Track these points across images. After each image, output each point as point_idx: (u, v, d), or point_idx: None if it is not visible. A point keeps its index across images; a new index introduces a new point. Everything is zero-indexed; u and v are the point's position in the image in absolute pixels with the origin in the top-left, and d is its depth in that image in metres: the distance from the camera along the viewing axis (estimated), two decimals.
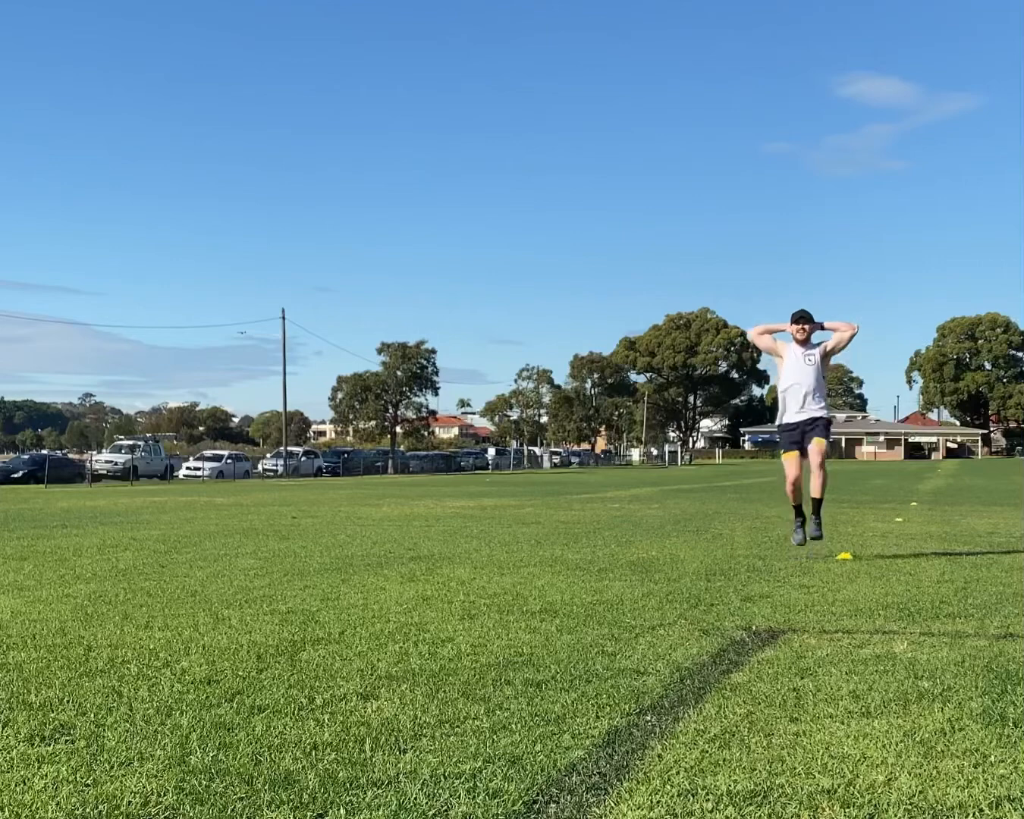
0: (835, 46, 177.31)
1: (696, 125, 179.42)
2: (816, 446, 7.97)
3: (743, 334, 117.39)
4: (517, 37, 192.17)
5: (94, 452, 54.46)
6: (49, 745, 2.93)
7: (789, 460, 8.11)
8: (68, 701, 3.43)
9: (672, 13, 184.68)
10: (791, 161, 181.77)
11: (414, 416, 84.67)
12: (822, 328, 8.09)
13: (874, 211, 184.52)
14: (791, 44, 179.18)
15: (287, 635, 4.68)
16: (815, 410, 8.05)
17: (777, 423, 8.30)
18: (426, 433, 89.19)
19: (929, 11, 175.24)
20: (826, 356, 8.12)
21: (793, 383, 8.06)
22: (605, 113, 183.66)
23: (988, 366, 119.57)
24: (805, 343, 8.03)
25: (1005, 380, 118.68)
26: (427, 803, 2.45)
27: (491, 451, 76.26)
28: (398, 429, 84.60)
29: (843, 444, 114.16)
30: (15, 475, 39.07)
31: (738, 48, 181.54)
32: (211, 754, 2.82)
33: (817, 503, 8.24)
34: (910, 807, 2.41)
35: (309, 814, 2.39)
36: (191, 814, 2.39)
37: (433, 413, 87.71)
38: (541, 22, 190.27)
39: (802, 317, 8.04)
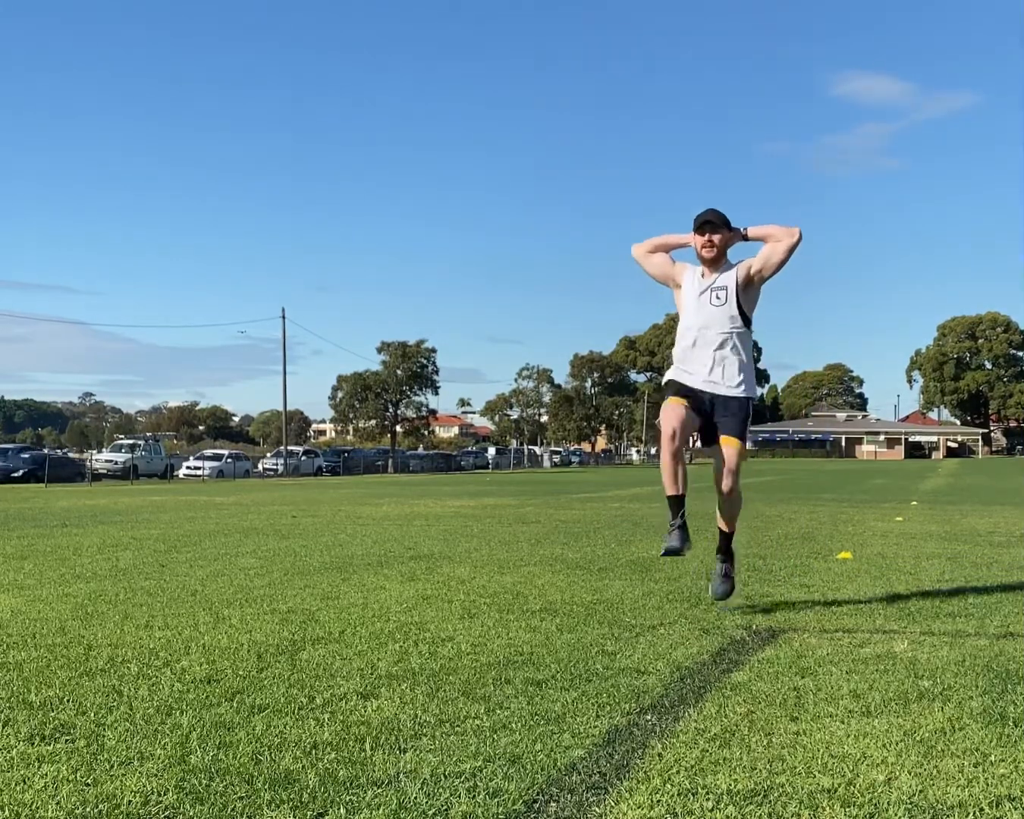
0: (829, 45, 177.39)
1: (695, 125, 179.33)
2: (727, 451, 5.23)
3: None
4: (516, 38, 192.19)
5: (94, 451, 54.44)
6: (49, 745, 2.93)
7: (672, 406, 5.13)
8: (68, 701, 3.43)
9: (669, 13, 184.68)
10: (787, 160, 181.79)
11: (414, 415, 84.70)
12: (744, 239, 5.32)
13: (872, 210, 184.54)
14: (786, 43, 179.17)
15: (287, 634, 4.68)
16: (726, 382, 5.20)
17: (666, 378, 5.47)
18: (426, 432, 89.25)
19: (924, 10, 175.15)
20: (749, 284, 5.20)
21: (691, 333, 5.26)
22: (603, 113, 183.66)
23: (988, 365, 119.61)
24: (715, 264, 5.25)
25: (1005, 379, 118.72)
26: (427, 802, 2.45)
27: (491, 450, 76.25)
28: (398, 428, 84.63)
29: (843, 444, 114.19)
30: (15, 474, 39.09)
31: (734, 48, 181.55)
32: (211, 753, 2.82)
33: (726, 539, 5.65)
34: (910, 806, 2.41)
35: (309, 813, 2.39)
36: (191, 813, 2.39)
37: (433, 412, 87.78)
38: (538, 20, 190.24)
39: (708, 223, 5.21)
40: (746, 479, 35.69)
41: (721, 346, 5.22)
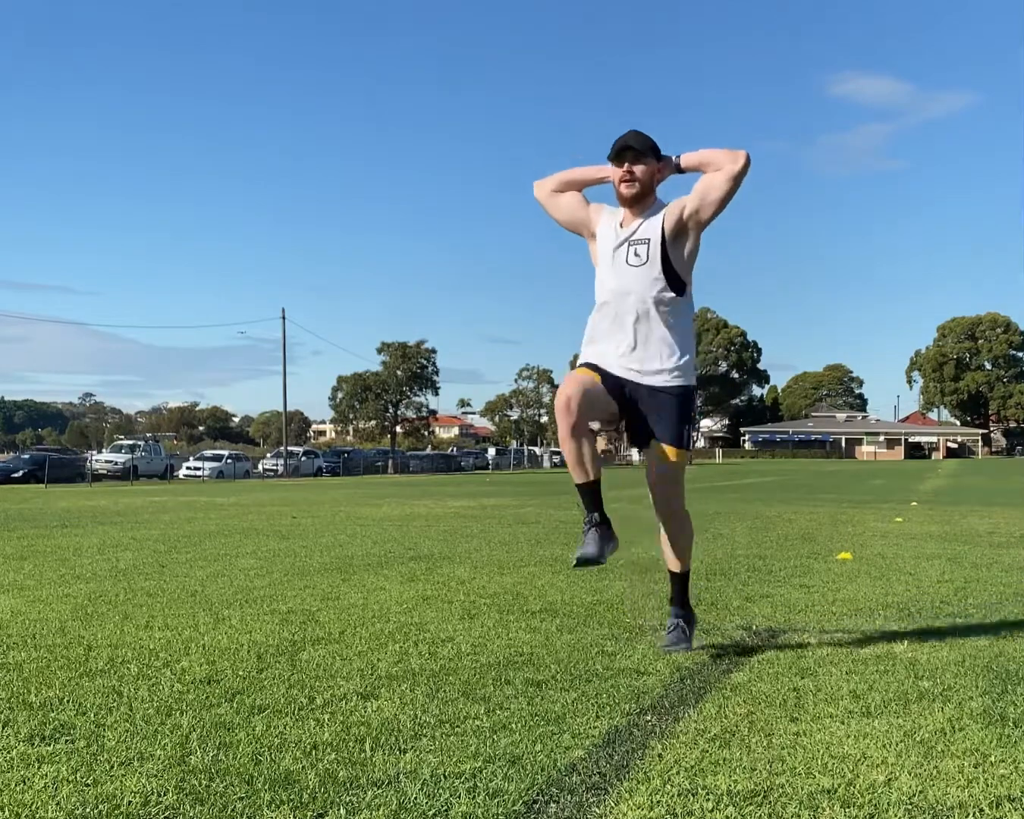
0: (828, 45, 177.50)
1: (695, 125, 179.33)
2: (658, 461, 4.12)
3: (743, 334, 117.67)
4: (515, 39, 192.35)
5: (94, 452, 54.44)
6: (49, 745, 2.93)
7: (573, 374, 4.04)
8: (68, 701, 3.43)
9: (667, 13, 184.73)
10: (787, 160, 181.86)
11: (414, 416, 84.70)
12: (678, 170, 4.13)
13: (872, 211, 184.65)
14: (786, 43, 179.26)
15: (287, 635, 4.68)
16: (650, 366, 4.04)
17: (582, 359, 4.25)
18: (426, 433, 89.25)
19: (923, 10, 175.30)
20: (681, 232, 4.02)
21: (605, 302, 4.12)
22: (603, 113, 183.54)
23: (988, 366, 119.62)
24: (638, 206, 4.07)
25: (1005, 380, 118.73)
26: (427, 803, 2.45)
27: (491, 451, 76.25)
28: (398, 429, 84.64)
29: (843, 444, 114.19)
30: (15, 475, 39.10)
31: (733, 47, 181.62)
32: (211, 754, 2.82)
33: (679, 583, 4.42)
34: (910, 807, 2.41)
35: (309, 814, 2.39)
36: (191, 814, 2.39)
37: (433, 413, 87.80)
38: (536, 20, 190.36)
39: (627, 149, 4.04)
40: (747, 479, 35.16)
41: (642, 319, 4.00)
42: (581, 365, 4.12)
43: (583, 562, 3.90)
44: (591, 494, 3.97)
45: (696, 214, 4.02)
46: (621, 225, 4.13)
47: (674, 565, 4.40)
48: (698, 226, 4.04)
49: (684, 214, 4.02)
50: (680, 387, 4.07)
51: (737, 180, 3.97)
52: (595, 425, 4.13)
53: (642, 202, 4.09)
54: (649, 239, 4.03)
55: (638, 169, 4.05)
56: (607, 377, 4.04)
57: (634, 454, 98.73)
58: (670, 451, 4.11)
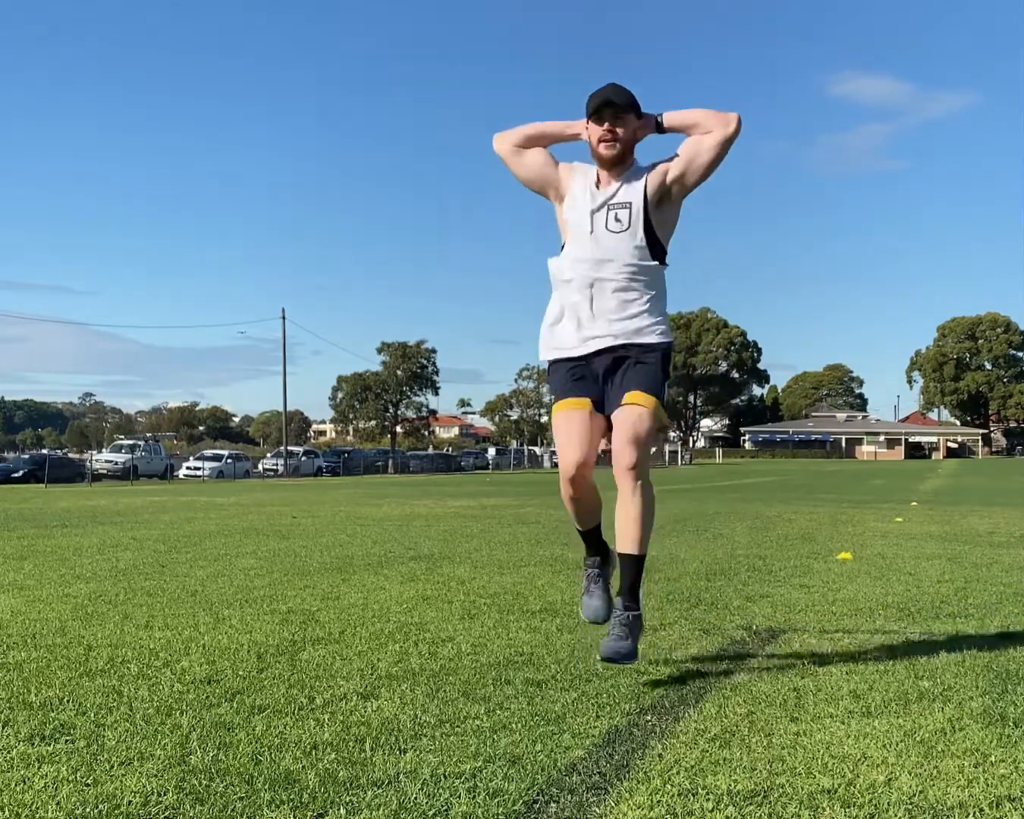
0: (828, 45, 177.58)
1: None
2: (631, 411, 3.65)
3: (743, 334, 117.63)
4: (516, 42, 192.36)
5: (94, 452, 54.45)
6: (49, 745, 2.93)
7: (569, 417, 3.74)
8: (68, 701, 3.43)
9: (665, 13, 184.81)
10: (787, 160, 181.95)
11: (414, 416, 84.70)
12: (659, 130, 3.81)
13: (872, 211, 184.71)
14: (785, 43, 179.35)
15: (287, 635, 4.68)
16: (633, 325, 3.73)
17: (542, 356, 3.94)
18: (426, 433, 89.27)
19: (923, 10, 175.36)
20: (664, 197, 3.73)
21: (579, 272, 3.74)
22: None
23: (988, 366, 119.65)
24: (617, 168, 3.76)
25: (1005, 380, 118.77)
26: (427, 803, 2.45)
27: (491, 451, 76.25)
28: (398, 429, 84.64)
29: (843, 444, 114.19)
30: (15, 475, 39.11)
31: (733, 47, 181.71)
32: (211, 754, 2.82)
33: (632, 568, 3.69)
34: (910, 807, 2.41)
35: (309, 814, 2.39)
36: (191, 813, 2.39)
37: (433, 413, 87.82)
38: (537, 20, 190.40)
39: (608, 104, 3.71)
40: (747, 479, 35.24)
41: (622, 290, 3.69)
42: (562, 392, 3.80)
43: (593, 621, 3.90)
44: (594, 538, 3.98)
45: (681, 179, 3.72)
46: (597, 185, 3.77)
47: (630, 545, 3.64)
48: (682, 192, 3.76)
49: (668, 178, 3.72)
50: (663, 343, 3.77)
51: (727, 146, 3.68)
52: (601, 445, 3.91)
53: (622, 163, 3.76)
54: (631, 203, 3.71)
55: (620, 128, 3.71)
56: (587, 380, 3.77)
57: None
58: (644, 399, 3.65)
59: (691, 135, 3.75)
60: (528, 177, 3.91)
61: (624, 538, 3.66)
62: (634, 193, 3.73)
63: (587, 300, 3.73)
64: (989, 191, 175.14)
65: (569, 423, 3.73)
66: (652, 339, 3.73)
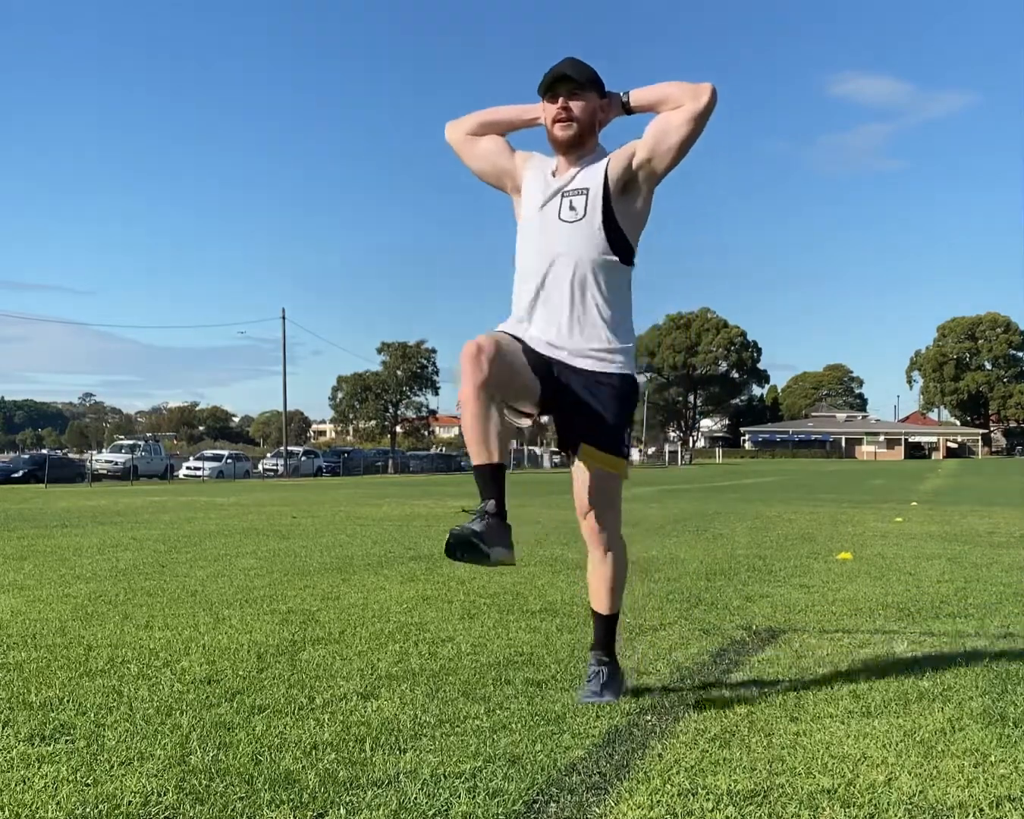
0: (827, 45, 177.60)
1: None
2: (590, 472, 3.39)
3: (743, 334, 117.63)
4: (515, 44, 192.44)
5: (94, 452, 54.46)
6: (49, 745, 2.92)
7: (489, 333, 3.25)
8: (68, 701, 3.43)
9: (664, 14, 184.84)
10: (787, 160, 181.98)
11: (414, 416, 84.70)
12: (625, 112, 3.40)
13: (872, 211, 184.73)
14: (785, 43, 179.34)
15: (287, 635, 4.68)
16: (587, 346, 3.31)
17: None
18: (426, 433, 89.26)
19: (922, 10, 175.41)
20: (630, 183, 3.31)
21: (531, 269, 3.37)
22: None
23: (988, 366, 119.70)
24: (575, 151, 3.36)
25: (1005, 380, 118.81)
26: (427, 803, 2.45)
27: None
28: (398, 429, 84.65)
29: (843, 444, 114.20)
30: (15, 475, 39.11)
31: (732, 47, 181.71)
32: (211, 754, 2.82)
33: (604, 623, 3.49)
34: (910, 807, 2.41)
35: (309, 814, 2.39)
36: (191, 813, 2.39)
37: (433, 413, 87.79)
38: (537, 19, 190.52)
39: (563, 80, 3.32)
40: (747, 479, 35.26)
41: (576, 290, 3.26)
42: (506, 327, 3.39)
43: (460, 547, 3.07)
44: (493, 479, 3.12)
45: (648, 162, 3.27)
46: (554, 174, 3.40)
47: (601, 605, 3.47)
48: (651, 178, 3.30)
49: (634, 162, 3.28)
50: (621, 376, 3.33)
51: (700, 121, 3.24)
52: (523, 421, 3.38)
53: (581, 148, 3.35)
54: (588, 190, 3.29)
55: (576, 105, 3.31)
56: (530, 351, 3.29)
57: (634, 454, 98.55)
58: (607, 459, 3.34)
59: (661, 112, 3.31)
60: (482, 167, 3.55)
61: (596, 599, 3.48)
62: (593, 178, 3.30)
63: (539, 302, 3.33)
64: (989, 191, 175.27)
65: (494, 333, 3.24)
66: (614, 369, 3.32)
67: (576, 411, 3.34)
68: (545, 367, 3.28)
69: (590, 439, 3.35)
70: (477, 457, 3.13)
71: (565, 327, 3.30)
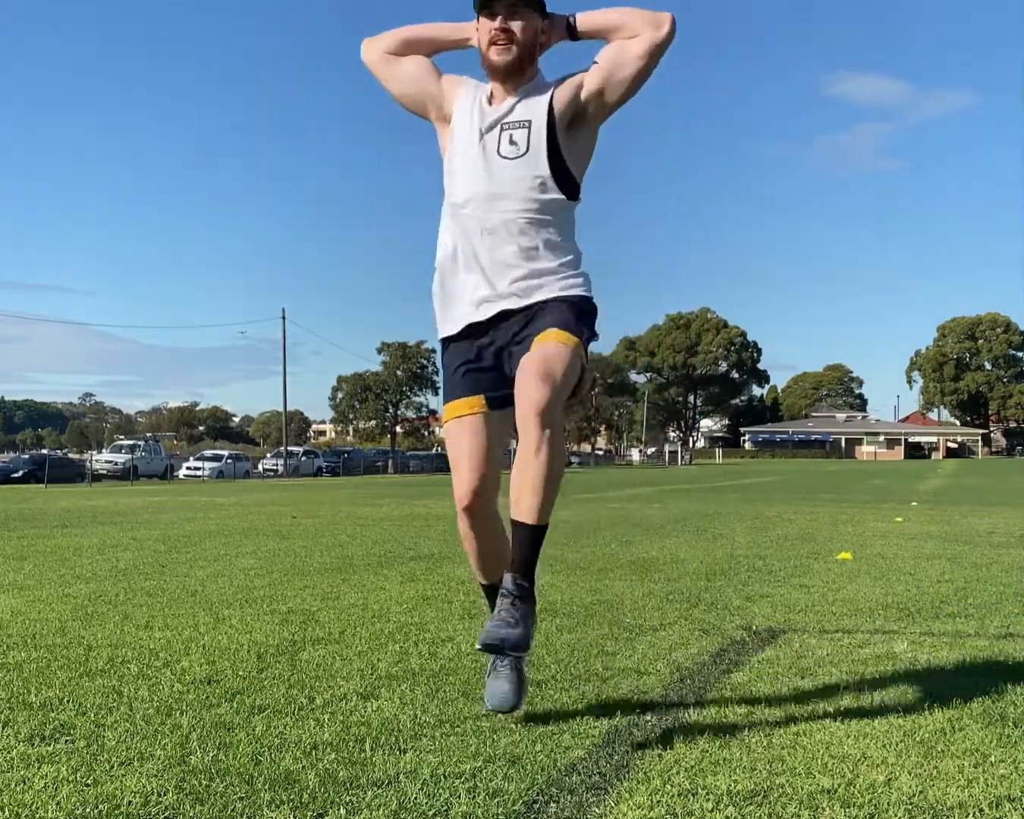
0: (825, 45, 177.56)
1: (692, 125, 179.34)
2: (541, 352, 2.84)
3: (743, 334, 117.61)
4: None
5: (94, 452, 54.45)
6: (49, 745, 2.92)
7: (460, 426, 3.05)
8: (68, 701, 3.42)
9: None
10: (784, 160, 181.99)
11: (414, 416, 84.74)
12: (571, 36, 3.09)
13: (871, 210, 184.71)
14: (783, 43, 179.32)
15: (287, 635, 4.68)
16: (540, 285, 2.98)
17: (440, 336, 3.17)
18: (426, 433, 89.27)
19: (919, 9, 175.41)
20: (579, 116, 3.01)
21: (467, 212, 3.01)
22: None
23: (988, 366, 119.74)
24: (514, 79, 3.01)
25: (1005, 380, 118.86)
26: (427, 803, 2.44)
27: None
28: (398, 429, 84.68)
29: (843, 444, 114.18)
30: (15, 475, 39.11)
31: (731, 47, 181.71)
32: (211, 754, 2.82)
33: (528, 537, 2.94)
34: (910, 807, 2.41)
35: (309, 814, 2.39)
36: (191, 814, 2.39)
37: (433, 413, 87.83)
38: None
39: None
40: (747, 479, 35.43)
41: (521, 234, 2.93)
42: (454, 392, 3.05)
43: (497, 707, 2.99)
44: (497, 595, 2.98)
45: (600, 95, 2.96)
46: (490, 103, 3.03)
47: (525, 512, 2.84)
48: (600, 111, 3.00)
49: (583, 93, 2.97)
50: (580, 296, 3.01)
51: (658, 54, 2.94)
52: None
53: (520, 75, 2.99)
54: (530, 122, 2.95)
55: (516, 26, 2.94)
56: (486, 372, 3.02)
57: (634, 454, 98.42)
58: (565, 336, 2.88)
59: (612, 40, 2.99)
60: (403, 91, 3.14)
61: (519, 504, 2.82)
62: (536, 110, 2.96)
63: (477, 251, 2.97)
64: (988, 190, 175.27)
65: (460, 434, 3.00)
66: (572, 292, 2.99)
67: (535, 326, 2.94)
68: (503, 368, 3.02)
69: (545, 326, 2.90)
70: (483, 578, 3.26)
71: (516, 279, 2.95)
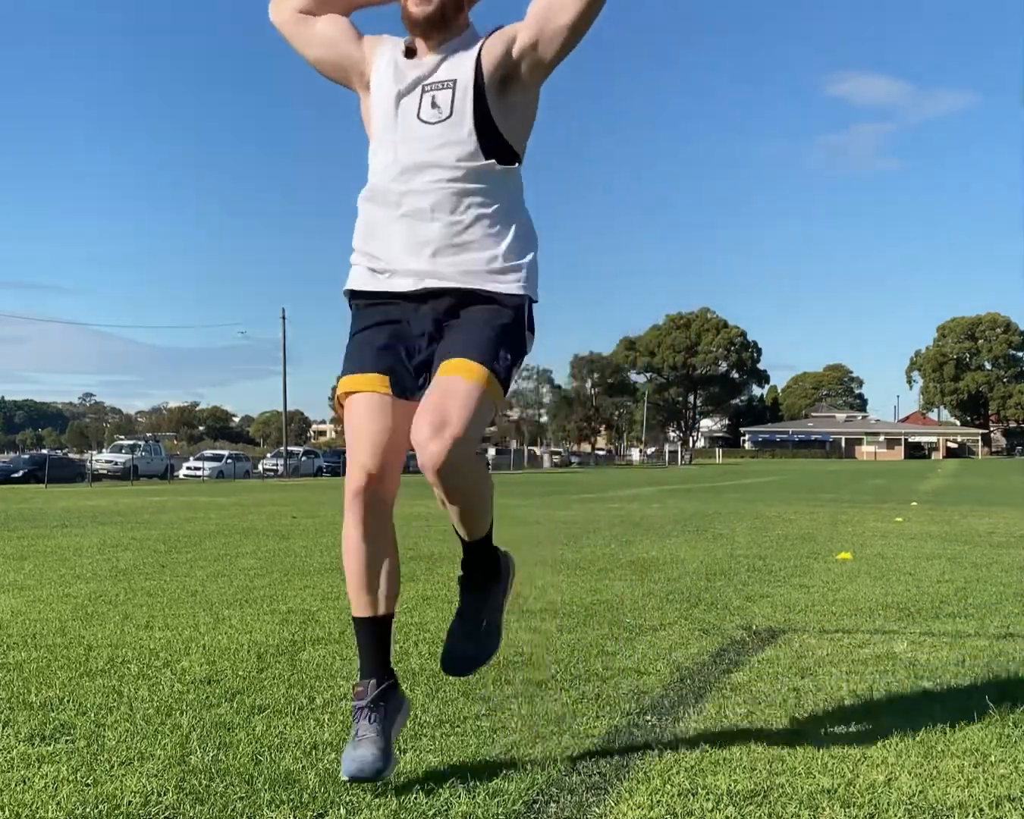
0: (824, 45, 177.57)
1: (692, 125, 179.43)
2: (440, 393, 2.44)
3: (743, 334, 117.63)
4: None
5: (94, 452, 54.47)
6: (49, 745, 2.92)
7: (361, 403, 2.59)
8: (68, 701, 3.43)
9: (665, 12, 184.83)
10: (783, 160, 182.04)
11: None
12: None
13: (871, 211, 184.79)
14: (782, 43, 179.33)
15: (287, 635, 4.68)
16: (474, 265, 2.56)
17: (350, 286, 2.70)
18: None
19: (918, 10, 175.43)
20: (512, 75, 2.58)
21: (388, 180, 2.61)
22: (601, 114, 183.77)
23: (988, 366, 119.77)
24: (438, 34, 2.61)
25: (1005, 380, 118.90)
26: (427, 803, 2.45)
27: (491, 451, 76.18)
28: None
29: (843, 444, 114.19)
30: (15, 475, 39.11)
31: (730, 48, 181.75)
32: (211, 754, 2.82)
33: (472, 548, 2.78)
34: (910, 807, 2.41)
35: (309, 814, 2.39)
36: (191, 813, 2.39)
37: None
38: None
39: None
40: (747, 479, 35.44)
41: (446, 208, 2.54)
42: (353, 366, 2.61)
43: (356, 776, 2.47)
44: (375, 637, 2.61)
45: (533, 49, 2.55)
46: (409, 60, 2.65)
47: (464, 534, 2.73)
48: (537, 68, 2.59)
49: (515, 49, 2.57)
50: (513, 295, 2.57)
51: (595, 4, 2.54)
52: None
53: (444, 29, 2.60)
54: (455, 81, 2.57)
55: None
56: (398, 353, 2.60)
57: (634, 455, 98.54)
58: (471, 368, 2.45)
59: None
60: (319, 56, 2.74)
61: (460, 530, 2.71)
62: (462, 68, 2.58)
63: (398, 227, 2.58)
64: (988, 191, 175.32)
65: (369, 409, 2.56)
66: (499, 287, 2.56)
67: (448, 338, 2.57)
68: (414, 349, 2.61)
69: (455, 350, 2.50)
70: (359, 608, 2.60)
71: (442, 255, 2.55)
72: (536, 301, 2.68)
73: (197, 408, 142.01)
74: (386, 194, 2.61)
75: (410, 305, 2.60)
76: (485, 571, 2.79)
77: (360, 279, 2.67)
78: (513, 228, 2.62)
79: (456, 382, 2.43)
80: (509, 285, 2.58)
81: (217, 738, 2.98)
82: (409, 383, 2.59)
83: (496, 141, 2.58)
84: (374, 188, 2.65)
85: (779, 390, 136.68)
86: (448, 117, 2.56)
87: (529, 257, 2.64)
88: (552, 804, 2.45)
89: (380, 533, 2.59)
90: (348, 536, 2.58)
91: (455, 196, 2.55)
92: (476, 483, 2.56)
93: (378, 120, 2.65)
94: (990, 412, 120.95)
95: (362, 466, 2.53)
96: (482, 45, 2.62)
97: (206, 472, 47.90)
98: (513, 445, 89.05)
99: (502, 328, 2.55)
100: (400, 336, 2.61)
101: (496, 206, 2.59)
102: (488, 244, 2.57)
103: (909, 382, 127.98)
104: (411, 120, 2.59)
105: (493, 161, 2.57)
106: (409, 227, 2.57)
